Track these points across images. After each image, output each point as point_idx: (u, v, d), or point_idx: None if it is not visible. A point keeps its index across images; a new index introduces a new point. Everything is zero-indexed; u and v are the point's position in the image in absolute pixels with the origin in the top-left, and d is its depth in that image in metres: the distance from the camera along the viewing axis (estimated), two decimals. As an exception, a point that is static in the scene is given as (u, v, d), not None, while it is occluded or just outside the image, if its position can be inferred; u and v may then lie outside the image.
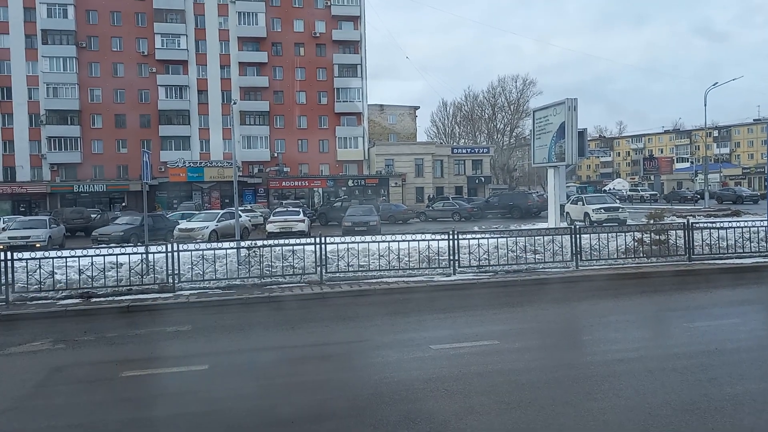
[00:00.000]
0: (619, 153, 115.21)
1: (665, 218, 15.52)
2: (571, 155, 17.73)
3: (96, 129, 53.80)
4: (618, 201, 31.10)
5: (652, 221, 14.59)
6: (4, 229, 26.11)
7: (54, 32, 52.49)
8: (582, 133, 18.48)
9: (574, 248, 12.88)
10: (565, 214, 26.45)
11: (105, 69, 53.75)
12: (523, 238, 13.41)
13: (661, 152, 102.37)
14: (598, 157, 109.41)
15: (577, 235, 13.00)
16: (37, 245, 20.92)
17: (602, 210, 25.27)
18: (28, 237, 22.09)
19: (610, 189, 69.23)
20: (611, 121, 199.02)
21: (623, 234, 13.87)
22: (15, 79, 52.27)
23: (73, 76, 52.70)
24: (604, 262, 13.11)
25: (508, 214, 36.25)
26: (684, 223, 14.19)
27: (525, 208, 36.18)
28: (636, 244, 13.59)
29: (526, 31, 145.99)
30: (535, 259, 13.05)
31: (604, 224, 22.30)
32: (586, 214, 25.63)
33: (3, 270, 10.55)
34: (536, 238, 13.47)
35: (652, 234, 13.72)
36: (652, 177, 74.04)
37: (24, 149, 52.48)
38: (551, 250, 13.04)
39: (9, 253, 10.89)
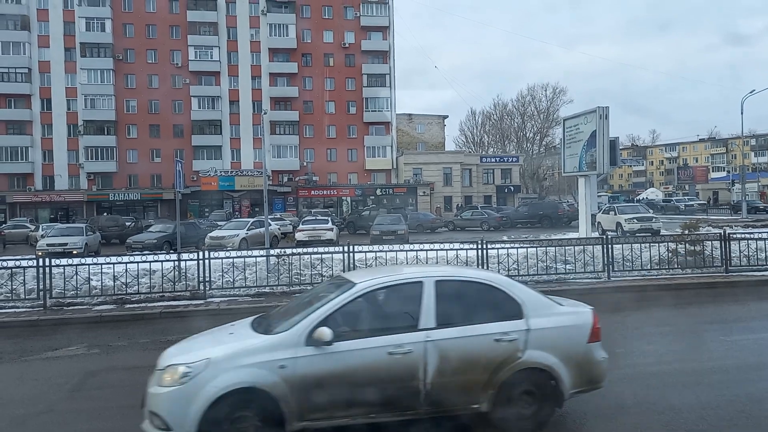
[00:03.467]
0: (652, 162, 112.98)
1: (701, 229, 15.15)
2: (602, 164, 17.45)
3: (131, 139, 55.16)
4: (651, 211, 30.50)
5: (687, 231, 14.26)
6: (42, 236, 26.90)
7: (92, 45, 54.14)
8: (614, 142, 18.19)
9: (605, 258, 12.65)
10: (596, 224, 26.01)
11: (140, 80, 55.17)
12: (554, 248, 13.24)
13: (696, 161, 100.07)
14: (631, 166, 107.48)
15: (609, 245, 12.77)
16: (74, 252, 21.47)
17: (635, 220, 24.81)
18: (66, 244, 22.69)
19: (643, 198, 67.89)
20: (644, 129, 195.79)
21: (657, 244, 13.55)
22: (55, 91, 54.01)
23: (110, 88, 54.21)
24: (637, 273, 12.85)
25: (538, 224, 35.86)
26: (720, 233, 13.84)
27: (555, 218, 35.79)
28: (670, 254, 13.29)
29: (556, 39, 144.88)
30: (565, 269, 12.87)
31: (637, 234, 21.90)
32: (619, 224, 25.19)
33: (42, 276, 10.87)
34: (567, 248, 13.27)
35: (687, 245, 13.40)
36: (687, 186, 72.40)
37: (62, 159, 54.08)
38: (582, 261, 12.84)
39: (47, 260, 11.21)
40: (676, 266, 13.14)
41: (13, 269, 11.30)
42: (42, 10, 53.63)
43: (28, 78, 53.14)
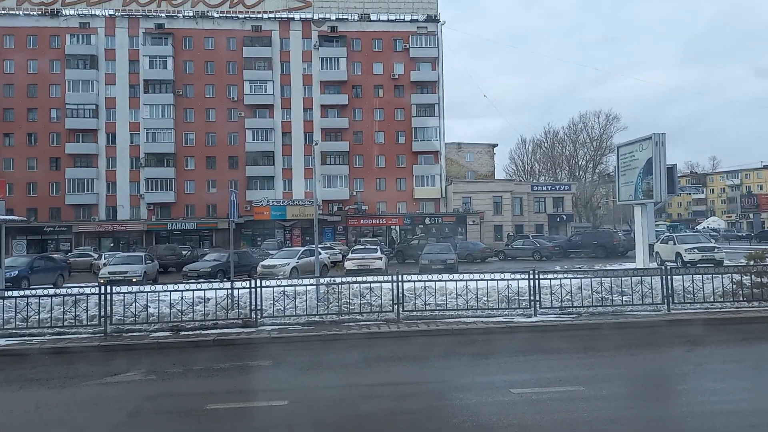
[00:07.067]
0: (712, 190, 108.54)
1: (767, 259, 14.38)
2: (659, 192, 16.93)
3: (189, 170, 57.27)
4: (713, 240, 29.24)
5: (752, 262, 13.55)
6: (105, 265, 28.04)
7: (154, 82, 56.96)
8: (671, 169, 17.64)
9: (665, 290, 12.14)
10: (654, 254, 25.14)
11: (198, 114, 57.51)
12: (609, 279, 12.82)
13: (761, 188, 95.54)
14: (690, 194, 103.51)
15: (669, 276, 12.26)
16: (134, 280, 22.25)
17: (696, 250, 23.82)
18: (126, 272, 23.52)
19: (704, 228, 65.21)
20: (703, 156, 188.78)
21: (720, 276, 12.92)
22: (119, 126, 56.87)
23: (170, 122, 56.72)
24: (699, 305, 12.26)
25: (592, 254, 34.90)
26: (790, 264, 13.08)
27: (610, 248, 34.74)
28: (735, 286, 12.64)
29: (607, 66, 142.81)
30: (622, 301, 12.42)
31: (699, 265, 21.00)
32: (678, 254, 24.24)
33: (103, 303, 11.30)
34: (623, 278, 12.83)
35: (753, 276, 12.73)
36: (751, 215, 69.37)
37: (125, 190, 56.60)
38: (640, 292, 12.37)
39: (109, 287, 11.66)
40: (741, 299, 12.46)
41: (77, 296, 11.80)
42: (109, 50, 57.03)
43: (95, 114, 56.26)
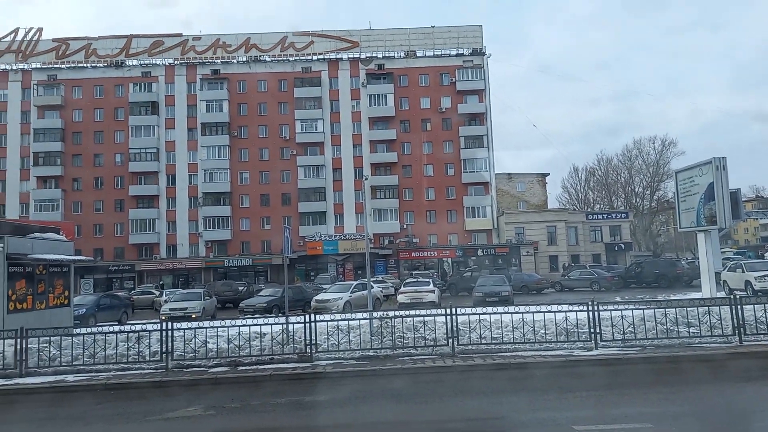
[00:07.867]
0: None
1: None
2: (723, 218, 16.18)
3: (244, 208, 58.96)
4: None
5: (831, 290, 12.72)
6: (166, 302, 28.94)
7: (211, 124, 59.43)
8: (735, 194, 16.85)
9: (735, 321, 11.50)
10: (722, 282, 23.95)
11: (252, 154, 59.46)
12: (674, 310, 12.25)
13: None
14: (757, 219, 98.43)
15: (739, 306, 11.63)
16: (193, 316, 22.86)
17: (767, 277, 22.56)
18: (186, 308, 24.26)
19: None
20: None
21: (796, 305, 12.16)
22: (178, 167, 59.42)
23: (226, 162, 58.82)
24: (775, 336, 11.54)
25: (654, 284, 33.51)
26: None
27: (673, 277, 33.28)
28: (813, 316, 11.85)
29: (663, 90, 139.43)
30: (689, 332, 11.82)
31: (771, 293, 19.86)
32: (748, 283, 23.01)
33: (164, 339, 11.64)
34: (689, 309, 12.24)
35: (833, 304, 11.90)
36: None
37: (184, 228, 58.68)
38: (708, 323, 11.75)
39: (170, 324, 12.01)
40: (821, 329, 11.66)
41: (140, 333, 12.22)
42: (169, 96, 60.09)
43: (156, 157, 59.01)
